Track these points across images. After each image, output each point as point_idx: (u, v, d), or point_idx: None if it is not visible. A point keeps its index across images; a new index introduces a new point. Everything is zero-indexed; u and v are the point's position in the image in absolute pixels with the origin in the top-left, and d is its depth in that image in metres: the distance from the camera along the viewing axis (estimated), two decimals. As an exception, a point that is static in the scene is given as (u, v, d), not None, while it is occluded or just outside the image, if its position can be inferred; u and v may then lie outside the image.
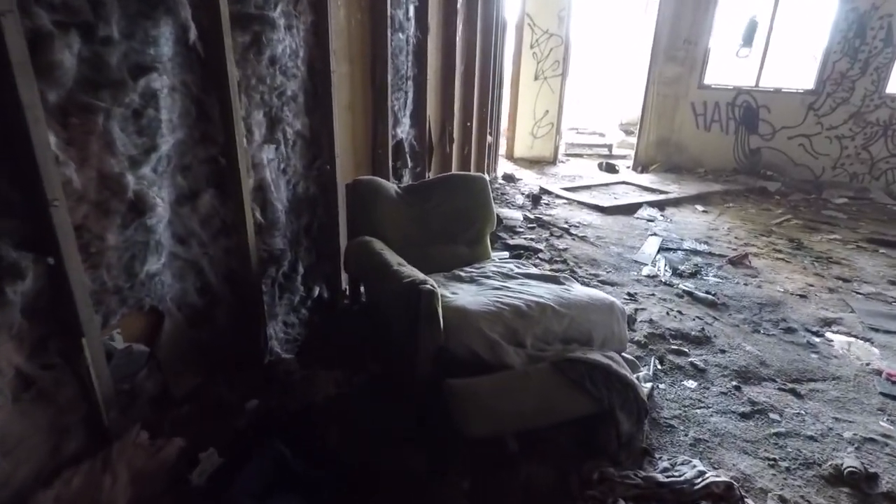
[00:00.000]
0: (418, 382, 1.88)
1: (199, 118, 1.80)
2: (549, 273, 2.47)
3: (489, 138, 6.14)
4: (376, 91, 3.09)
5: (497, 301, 2.09)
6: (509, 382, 1.88)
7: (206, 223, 1.90)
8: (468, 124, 5.16)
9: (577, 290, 2.32)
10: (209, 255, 1.94)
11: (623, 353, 2.44)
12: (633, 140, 8.72)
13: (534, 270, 2.55)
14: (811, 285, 3.83)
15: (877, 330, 3.16)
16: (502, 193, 5.89)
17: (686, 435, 2.14)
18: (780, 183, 7.06)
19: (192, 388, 1.91)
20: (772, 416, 2.30)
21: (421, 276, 1.93)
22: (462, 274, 2.44)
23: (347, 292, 2.81)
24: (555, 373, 1.95)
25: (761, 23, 7.17)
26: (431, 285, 1.85)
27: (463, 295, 2.18)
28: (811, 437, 2.17)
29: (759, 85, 7.38)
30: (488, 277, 2.39)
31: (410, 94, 3.61)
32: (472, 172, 3.91)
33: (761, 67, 7.30)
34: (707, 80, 7.54)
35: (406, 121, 3.60)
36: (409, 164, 3.71)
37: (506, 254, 3.93)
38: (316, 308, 2.72)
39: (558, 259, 3.94)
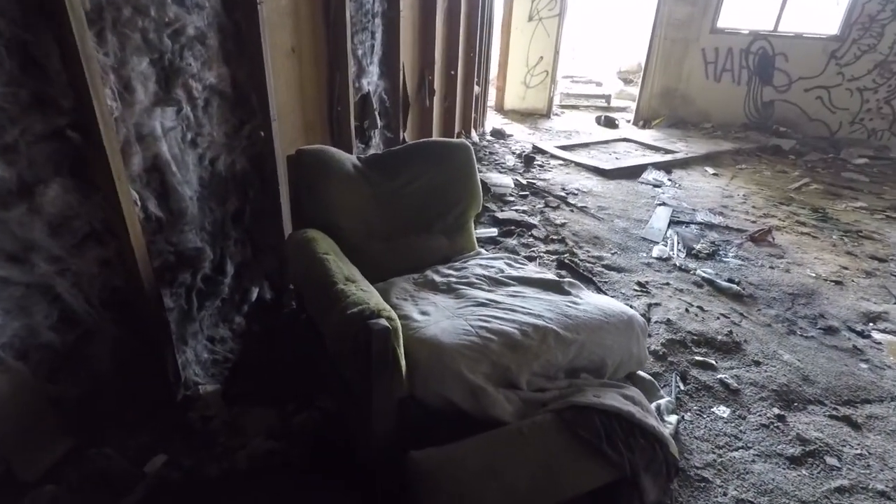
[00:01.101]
0: (374, 450, 1.36)
1: (24, 72, 1.17)
2: (549, 277, 1.91)
3: (476, 89, 5.42)
4: (332, 30, 2.41)
5: (482, 326, 1.54)
6: (498, 449, 1.36)
7: (58, 228, 1.30)
8: (452, 73, 4.45)
9: (586, 303, 1.77)
10: (70, 272, 1.35)
11: (639, 372, 1.94)
12: (633, 90, 8.03)
13: (530, 271, 1.99)
14: (845, 268, 3.32)
15: (928, 327, 2.69)
16: (490, 153, 5.23)
17: (725, 494, 1.65)
18: (794, 141, 6.46)
19: (57, 460, 1.37)
20: (828, 459, 1.82)
21: (374, 300, 1.36)
22: (437, 279, 1.87)
23: (295, 293, 2.23)
24: (559, 428, 1.43)
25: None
26: (388, 318, 1.29)
27: (436, 315, 1.62)
28: (883, 494, 1.70)
29: (777, 29, 6.63)
30: (471, 285, 1.82)
31: (379, 36, 2.92)
32: (454, 139, 3.24)
33: (782, 8, 6.53)
34: (721, 24, 6.77)
35: (374, 69, 2.93)
36: (379, 122, 3.06)
37: (494, 230, 3.36)
38: (255, 314, 2.16)
39: (555, 237, 3.37)
